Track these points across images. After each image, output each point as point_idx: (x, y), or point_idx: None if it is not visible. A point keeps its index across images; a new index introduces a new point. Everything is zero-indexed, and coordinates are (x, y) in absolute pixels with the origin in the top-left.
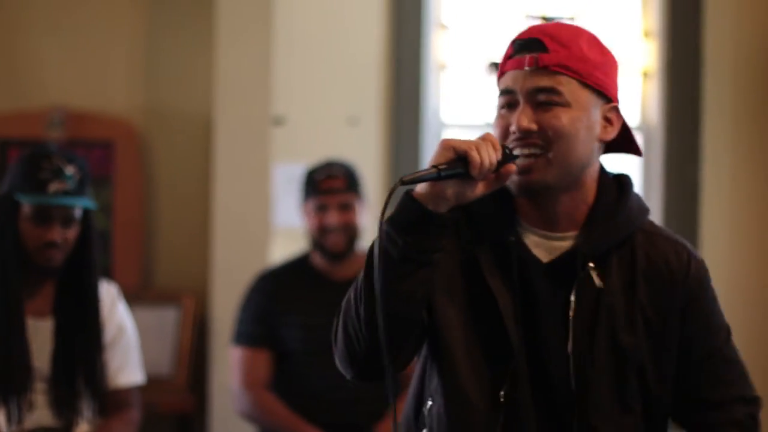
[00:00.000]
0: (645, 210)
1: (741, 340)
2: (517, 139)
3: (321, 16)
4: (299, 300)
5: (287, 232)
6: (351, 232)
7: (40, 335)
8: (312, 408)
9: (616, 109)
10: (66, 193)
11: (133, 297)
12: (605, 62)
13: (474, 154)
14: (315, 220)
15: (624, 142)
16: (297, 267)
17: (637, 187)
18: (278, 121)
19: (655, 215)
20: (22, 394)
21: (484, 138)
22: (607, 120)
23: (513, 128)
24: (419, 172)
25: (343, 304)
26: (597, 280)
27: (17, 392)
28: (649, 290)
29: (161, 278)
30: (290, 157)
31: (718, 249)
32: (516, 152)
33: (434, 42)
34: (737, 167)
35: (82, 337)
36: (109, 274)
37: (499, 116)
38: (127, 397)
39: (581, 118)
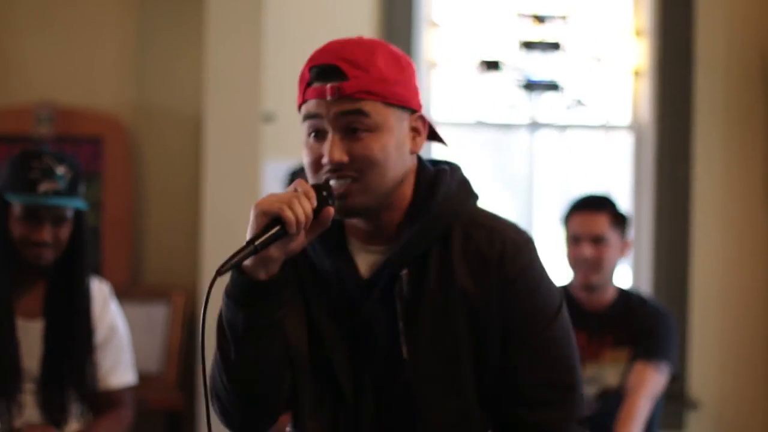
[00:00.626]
0: (463, 200)
1: (733, 338)
2: (330, 171)
3: (311, 12)
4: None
5: None
6: None
7: (30, 336)
8: None
9: (422, 117)
10: (56, 193)
11: (123, 293)
12: (403, 74)
13: (288, 214)
14: None
15: (432, 136)
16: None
17: (627, 193)
18: (268, 118)
19: (646, 214)
20: (12, 394)
21: (297, 189)
22: (415, 130)
23: (325, 160)
24: (236, 253)
25: (211, 369)
26: (407, 290)
27: (6, 393)
28: (469, 282)
29: (150, 275)
30: (280, 155)
31: (710, 248)
32: (331, 182)
33: (425, 40)
34: (728, 166)
35: (72, 339)
36: (99, 271)
37: (309, 146)
38: (120, 397)
39: (390, 140)
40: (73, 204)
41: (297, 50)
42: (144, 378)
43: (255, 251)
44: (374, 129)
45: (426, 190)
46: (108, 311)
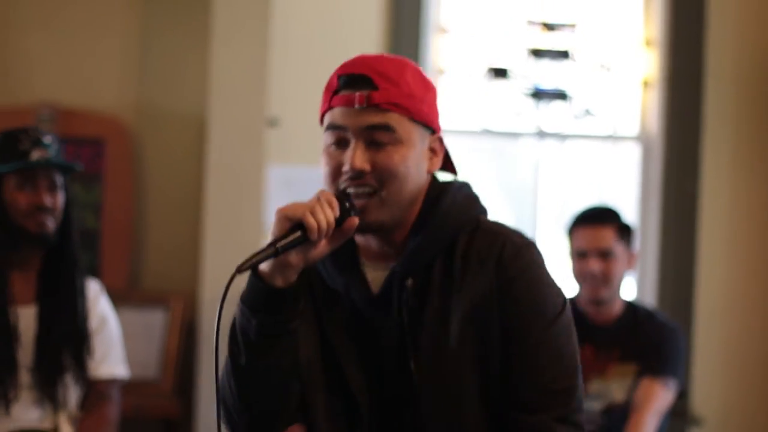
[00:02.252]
0: (468, 211)
1: (738, 353)
2: (350, 179)
3: (318, 16)
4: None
5: None
6: None
7: (23, 321)
8: None
9: (440, 139)
10: (48, 161)
11: (121, 298)
12: (428, 94)
13: (310, 220)
14: None
15: (445, 165)
16: None
17: (633, 206)
18: (273, 123)
19: (653, 228)
20: (7, 387)
21: (320, 198)
22: (433, 150)
23: (346, 167)
24: (257, 253)
25: (221, 375)
26: (412, 300)
27: (2, 384)
28: (470, 286)
29: (149, 279)
30: (284, 159)
31: (716, 261)
32: (350, 191)
33: (433, 46)
34: (737, 179)
35: (66, 321)
36: (97, 274)
37: (329, 154)
38: (107, 390)
39: (412, 155)
40: (68, 165)
41: (303, 55)
42: (141, 384)
43: (276, 253)
44: (398, 143)
45: (431, 203)
46: (99, 304)
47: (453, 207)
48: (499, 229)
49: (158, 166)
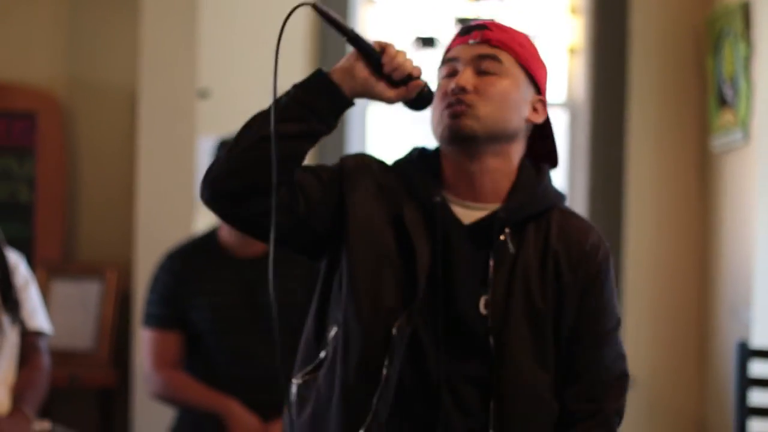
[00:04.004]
0: (562, 195)
1: (666, 315)
2: (452, 93)
3: None
4: (206, 281)
5: None
6: None
7: None
8: (225, 388)
9: (544, 104)
10: None
11: (56, 270)
12: (539, 61)
13: (391, 49)
14: None
15: (546, 151)
16: (204, 245)
17: (561, 170)
18: (203, 94)
19: (580, 193)
20: None
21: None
22: (534, 108)
23: (451, 86)
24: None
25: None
26: (511, 247)
27: None
28: (560, 261)
29: (84, 251)
30: (215, 131)
31: (643, 225)
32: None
33: (361, 16)
34: (662, 144)
35: None
36: (32, 246)
37: (441, 85)
38: (37, 342)
39: (513, 89)
40: None
41: (232, 26)
42: (77, 355)
43: (350, 37)
44: (503, 75)
45: (532, 171)
46: (20, 267)
47: (551, 184)
48: (591, 224)
49: (90, 138)
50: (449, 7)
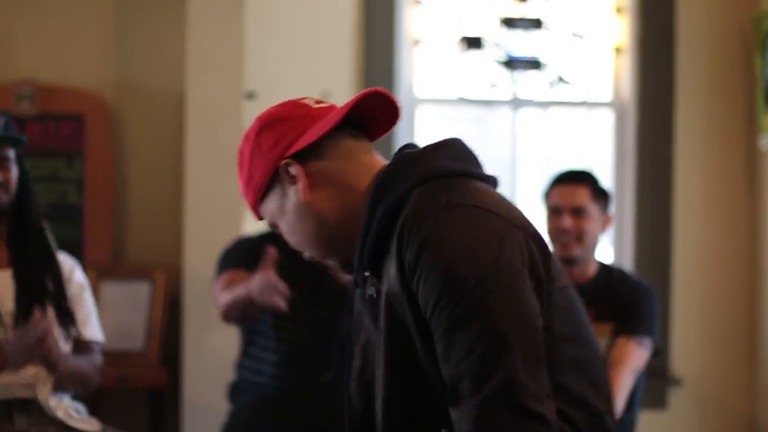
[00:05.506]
0: (396, 190)
1: (716, 314)
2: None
3: None
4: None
5: None
6: None
7: (1, 285)
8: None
9: (286, 165)
10: None
11: (105, 272)
12: (242, 169)
13: None
14: None
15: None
16: (270, 238)
17: (608, 170)
18: (250, 96)
19: (628, 192)
20: None
21: None
22: (290, 181)
23: None
24: None
25: None
26: (370, 289)
27: None
28: (387, 274)
29: (133, 253)
30: None
31: (692, 224)
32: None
33: (408, 16)
34: (710, 142)
35: (43, 279)
36: (81, 248)
37: None
38: (91, 347)
39: (282, 221)
40: (16, 137)
41: (279, 28)
42: (127, 356)
43: None
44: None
45: (371, 201)
46: (76, 273)
47: (389, 195)
48: (417, 198)
49: (138, 140)
50: (494, 7)
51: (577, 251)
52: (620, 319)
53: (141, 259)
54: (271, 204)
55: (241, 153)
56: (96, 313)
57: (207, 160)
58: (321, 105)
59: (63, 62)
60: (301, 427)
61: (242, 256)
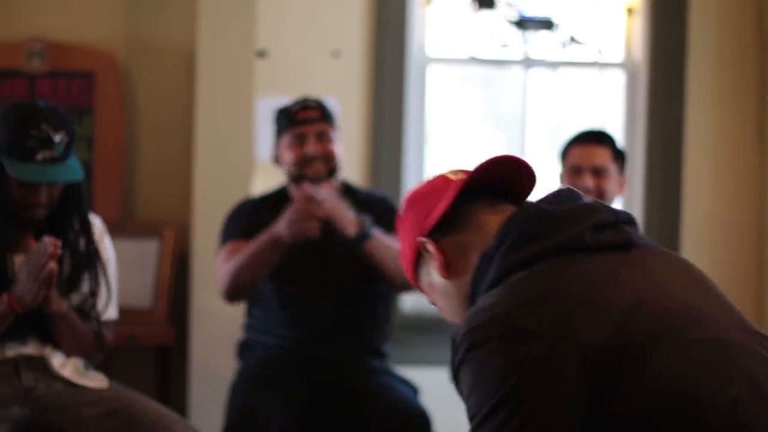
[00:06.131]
0: (482, 290)
1: (725, 274)
2: None
3: None
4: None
5: (269, 166)
6: (330, 161)
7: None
8: (277, 328)
9: (425, 240)
10: (53, 160)
11: (114, 229)
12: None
13: None
14: (294, 151)
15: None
16: (277, 198)
17: (620, 130)
18: (261, 54)
19: (638, 152)
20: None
21: None
22: (429, 254)
23: None
24: None
25: None
26: None
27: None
28: None
29: (142, 210)
30: (273, 91)
31: (702, 185)
32: None
33: None
34: (721, 104)
35: (81, 263)
36: (90, 205)
37: None
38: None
39: (438, 299)
40: (69, 177)
41: None
42: (135, 313)
43: None
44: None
45: (472, 287)
46: (103, 245)
47: (477, 289)
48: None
49: (149, 98)
50: None
51: None
52: None
53: (150, 217)
54: (423, 280)
55: (399, 232)
56: (115, 285)
57: (217, 117)
58: (459, 176)
59: (74, 19)
60: (309, 384)
61: (244, 224)
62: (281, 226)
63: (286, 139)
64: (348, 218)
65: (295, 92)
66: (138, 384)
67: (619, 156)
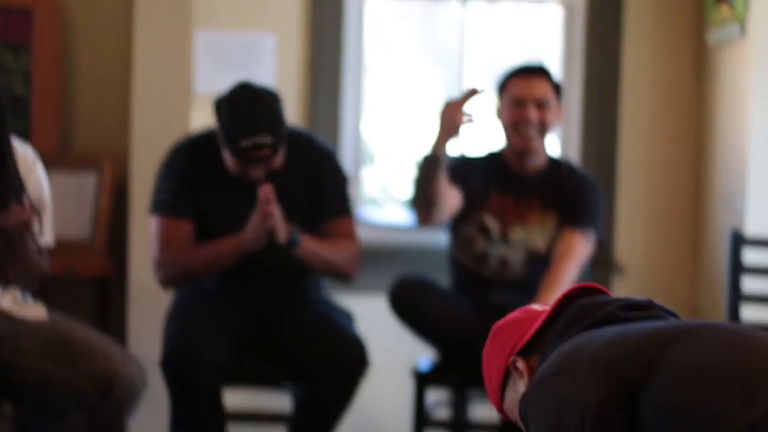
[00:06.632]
0: None
1: (660, 204)
2: None
3: None
4: (218, 174)
5: (208, 99)
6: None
7: None
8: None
9: (516, 359)
10: None
11: (52, 162)
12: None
13: None
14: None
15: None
16: (212, 141)
17: (557, 66)
18: None
19: (575, 86)
20: None
21: None
22: (519, 372)
23: None
24: None
25: None
26: None
27: None
28: None
29: (80, 143)
30: (212, 24)
31: (638, 121)
32: None
33: None
34: (658, 38)
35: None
36: (28, 139)
37: None
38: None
39: (515, 406)
40: None
41: None
42: (73, 245)
43: None
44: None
45: None
46: (36, 171)
47: None
48: None
49: (87, 31)
50: None
51: (537, 143)
52: (565, 210)
53: (88, 150)
54: (509, 398)
55: (484, 361)
56: (50, 213)
57: (156, 50)
58: (545, 307)
59: None
60: (244, 314)
61: (177, 190)
62: (248, 235)
63: (230, 160)
64: (281, 224)
65: (233, 25)
66: (77, 315)
67: (557, 87)
